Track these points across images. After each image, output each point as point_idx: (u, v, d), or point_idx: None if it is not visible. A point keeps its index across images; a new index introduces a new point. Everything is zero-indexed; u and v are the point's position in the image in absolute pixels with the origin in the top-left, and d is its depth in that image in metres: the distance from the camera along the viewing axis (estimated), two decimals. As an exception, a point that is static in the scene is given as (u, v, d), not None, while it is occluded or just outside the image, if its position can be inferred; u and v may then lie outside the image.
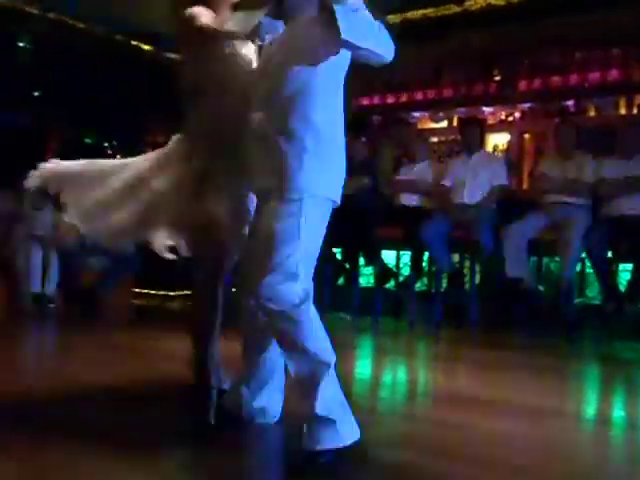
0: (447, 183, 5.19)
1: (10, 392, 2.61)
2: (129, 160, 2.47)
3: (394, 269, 5.54)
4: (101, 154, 6.78)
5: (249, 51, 2.28)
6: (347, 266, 5.50)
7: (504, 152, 6.35)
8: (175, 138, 2.41)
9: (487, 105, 6.50)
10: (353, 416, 1.94)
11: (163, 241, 2.43)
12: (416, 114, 6.96)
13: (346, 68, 2.01)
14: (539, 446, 2.17)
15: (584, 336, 4.68)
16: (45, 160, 2.53)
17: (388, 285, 5.51)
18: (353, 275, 5.41)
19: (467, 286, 5.18)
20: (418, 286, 5.39)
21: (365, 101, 6.90)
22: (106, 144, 7.31)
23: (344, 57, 1.96)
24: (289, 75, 1.94)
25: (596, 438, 2.41)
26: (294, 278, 1.90)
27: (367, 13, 1.85)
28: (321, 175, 1.96)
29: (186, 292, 5.62)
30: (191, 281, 2.37)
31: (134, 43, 7.06)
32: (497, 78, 6.40)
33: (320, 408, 1.88)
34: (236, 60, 2.24)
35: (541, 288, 4.94)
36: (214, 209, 2.21)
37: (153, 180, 2.28)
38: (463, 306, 5.02)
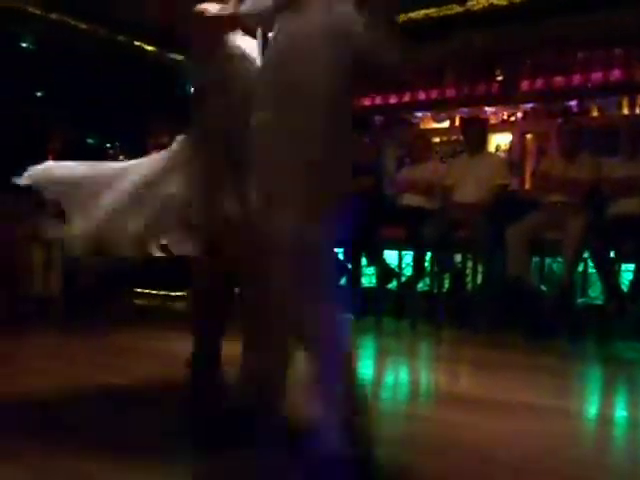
0: (449, 183, 5.19)
1: (11, 392, 2.62)
2: (130, 163, 2.43)
3: (396, 269, 5.54)
4: (104, 155, 6.80)
5: (253, 49, 2.27)
6: (349, 266, 5.50)
7: (506, 152, 6.35)
8: (180, 139, 2.40)
9: (489, 105, 6.50)
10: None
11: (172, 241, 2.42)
12: (418, 114, 6.97)
13: (350, 67, 2.01)
14: (541, 446, 2.16)
15: (586, 336, 4.68)
16: (48, 160, 2.52)
17: (390, 285, 5.51)
18: (355, 275, 5.41)
19: (469, 286, 5.18)
20: (420, 286, 5.38)
21: (367, 101, 6.90)
22: (108, 145, 7.32)
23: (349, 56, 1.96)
24: (293, 71, 1.93)
25: (598, 438, 2.41)
26: None
27: None
28: (334, 174, 1.96)
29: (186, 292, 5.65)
30: (190, 281, 2.37)
31: (137, 44, 7.07)
32: (499, 78, 6.40)
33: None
34: (241, 58, 2.23)
35: (543, 288, 4.94)
36: (227, 209, 2.21)
37: (162, 183, 2.25)
38: (465, 306, 5.01)
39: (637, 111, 5.91)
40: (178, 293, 6.73)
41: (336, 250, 2.04)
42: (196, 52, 2.32)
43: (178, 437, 2.11)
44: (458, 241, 4.97)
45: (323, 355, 1.90)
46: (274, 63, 2.02)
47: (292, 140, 1.94)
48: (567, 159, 4.84)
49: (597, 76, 5.89)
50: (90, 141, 7.20)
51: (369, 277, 5.73)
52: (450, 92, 6.67)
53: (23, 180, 2.40)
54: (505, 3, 6.04)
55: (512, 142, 6.38)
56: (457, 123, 6.66)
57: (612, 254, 4.55)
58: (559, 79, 6.06)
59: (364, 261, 5.49)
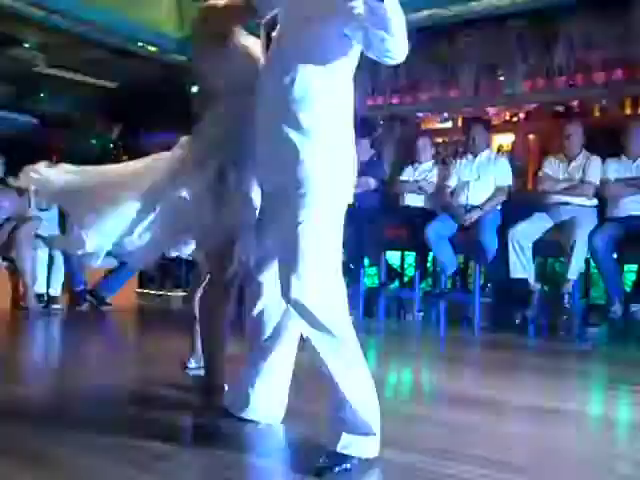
0: (451, 184, 5.19)
1: (11, 392, 2.62)
2: (136, 168, 2.36)
3: (398, 270, 5.54)
4: (106, 155, 6.81)
5: (256, 47, 2.27)
6: (352, 266, 5.50)
7: (508, 153, 6.34)
8: (184, 141, 2.38)
9: (492, 105, 6.49)
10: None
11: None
12: (421, 114, 6.96)
13: (355, 65, 2.01)
14: (542, 447, 2.16)
15: (588, 337, 4.68)
16: (50, 160, 2.50)
17: (392, 286, 5.51)
18: (358, 275, 5.41)
19: (471, 287, 5.18)
20: (422, 287, 5.39)
21: (370, 101, 6.89)
22: (111, 145, 7.34)
23: (354, 54, 1.96)
24: (300, 71, 1.93)
25: (600, 439, 2.41)
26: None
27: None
28: (335, 173, 1.96)
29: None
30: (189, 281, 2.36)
31: (140, 44, 7.06)
32: (502, 78, 6.39)
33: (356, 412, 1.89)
34: (247, 57, 2.22)
35: (545, 289, 4.94)
36: (237, 211, 2.20)
37: (172, 189, 2.22)
38: (467, 307, 5.01)
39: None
40: (179, 293, 6.74)
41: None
42: (202, 51, 2.31)
43: (179, 437, 2.11)
44: (461, 242, 4.97)
45: None
46: (277, 59, 2.02)
47: (295, 139, 1.94)
48: (569, 160, 4.84)
49: (599, 76, 5.87)
50: (92, 141, 7.22)
51: (371, 277, 5.73)
52: (453, 92, 6.66)
53: (21, 182, 2.35)
54: (508, 3, 6.03)
55: (514, 143, 6.37)
56: (460, 123, 6.65)
57: (615, 255, 4.54)
58: (562, 79, 6.05)
59: (366, 261, 5.49)
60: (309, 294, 1.88)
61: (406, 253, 5.56)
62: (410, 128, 6.90)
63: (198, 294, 2.74)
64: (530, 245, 4.65)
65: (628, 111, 5.97)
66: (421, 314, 5.21)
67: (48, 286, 5.45)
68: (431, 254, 5.20)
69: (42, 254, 5.41)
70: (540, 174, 4.99)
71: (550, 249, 4.78)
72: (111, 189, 2.27)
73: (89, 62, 6.94)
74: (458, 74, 6.50)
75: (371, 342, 4.44)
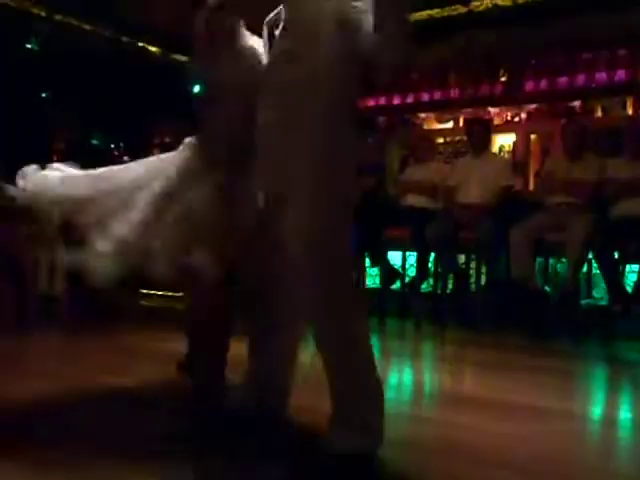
0: (453, 184, 5.19)
1: (12, 392, 2.62)
2: (140, 172, 2.32)
3: (400, 270, 5.54)
4: (108, 156, 6.81)
5: (260, 47, 2.26)
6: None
7: (510, 153, 6.34)
8: (188, 142, 2.37)
9: (493, 106, 6.49)
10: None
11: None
12: (422, 115, 6.96)
13: (355, 67, 2.01)
14: (545, 448, 2.16)
15: (590, 337, 4.67)
16: (51, 160, 2.49)
17: (394, 286, 5.51)
18: (358, 276, 5.41)
19: (473, 287, 5.18)
20: (424, 287, 5.38)
21: (371, 102, 6.90)
22: (113, 145, 7.34)
23: (356, 54, 1.96)
24: (301, 74, 1.93)
25: (602, 440, 2.41)
26: None
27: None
28: (339, 174, 1.97)
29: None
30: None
31: (140, 44, 7.08)
32: (503, 79, 6.39)
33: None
34: (251, 57, 2.22)
35: (547, 289, 4.94)
36: (247, 212, 2.19)
37: (181, 195, 2.19)
38: (469, 307, 5.01)
39: (641, 112, 5.90)
40: (181, 294, 6.73)
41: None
42: (206, 51, 2.30)
43: (179, 438, 2.11)
44: (462, 242, 4.97)
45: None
46: (280, 60, 2.02)
47: (297, 139, 1.94)
48: (571, 160, 4.83)
49: (601, 76, 5.88)
50: (94, 141, 7.22)
51: (373, 278, 5.73)
52: (454, 93, 6.67)
53: (19, 191, 2.29)
54: (509, 4, 6.03)
55: (516, 143, 6.37)
56: (461, 124, 6.66)
57: (616, 255, 4.54)
58: (563, 79, 6.05)
59: (368, 261, 5.49)
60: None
61: (407, 253, 5.55)
62: (411, 128, 6.90)
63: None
64: (531, 245, 4.64)
65: (630, 111, 5.96)
66: (422, 314, 5.20)
67: (50, 285, 5.45)
68: (432, 254, 5.20)
69: (44, 253, 5.41)
70: (541, 174, 4.98)
71: (551, 249, 4.78)
72: (118, 191, 2.22)
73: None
74: (460, 74, 6.51)
75: (373, 343, 4.44)
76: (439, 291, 5.20)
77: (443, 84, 6.72)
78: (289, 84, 1.95)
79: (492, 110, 6.50)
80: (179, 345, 2.94)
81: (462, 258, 5.29)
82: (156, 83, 6.90)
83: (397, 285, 5.54)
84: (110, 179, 2.31)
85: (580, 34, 5.72)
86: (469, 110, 6.54)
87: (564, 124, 5.25)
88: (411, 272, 5.57)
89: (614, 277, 4.53)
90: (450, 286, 5.22)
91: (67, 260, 2.18)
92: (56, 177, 2.31)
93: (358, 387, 1.92)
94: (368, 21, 1.85)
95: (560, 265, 5.03)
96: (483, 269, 5.08)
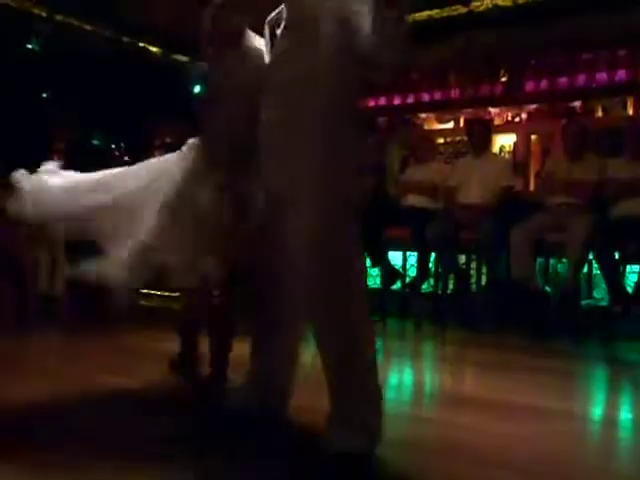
0: (453, 184, 5.19)
1: (12, 392, 2.62)
2: (142, 175, 2.29)
3: (400, 270, 5.54)
4: (108, 156, 6.81)
5: (260, 45, 2.26)
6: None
7: (510, 153, 6.34)
8: (192, 143, 2.36)
9: (494, 106, 6.49)
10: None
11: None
12: (422, 115, 6.96)
13: (356, 67, 2.01)
14: (546, 448, 2.16)
15: (591, 338, 4.67)
16: (52, 159, 2.47)
17: (394, 286, 5.51)
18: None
19: (473, 287, 5.18)
20: (424, 287, 5.38)
21: (372, 102, 6.90)
22: (113, 145, 7.33)
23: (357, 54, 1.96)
24: (301, 73, 1.93)
25: (602, 440, 2.41)
26: None
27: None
28: (340, 173, 1.96)
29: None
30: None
31: (141, 44, 7.09)
32: (504, 79, 6.39)
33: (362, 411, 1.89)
34: (257, 58, 2.21)
35: (547, 289, 4.93)
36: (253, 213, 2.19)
37: (190, 197, 2.18)
38: (469, 307, 5.01)
39: (642, 112, 5.90)
40: (178, 294, 6.71)
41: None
42: (212, 49, 2.30)
43: (179, 438, 2.11)
44: (462, 242, 4.97)
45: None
46: (281, 59, 2.02)
47: (297, 138, 1.94)
48: (571, 160, 4.83)
49: (602, 77, 5.88)
50: (95, 141, 7.22)
51: (373, 278, 5.73)
52: (454, 93, 6.67)
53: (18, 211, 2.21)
54: (509, 4, 6.03)
55: (516, 143, 6.37)
56: (461, 124, 6.66)
57: (617, 255, 4.54)
58: (563, 80, 6.05)
59: (368, 262, 5.48)
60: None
61: (408, 253, 5.55)
62: (412, 128, 6.90)
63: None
64: (532, 245, 4.64)
65: (630, 111, 5.96)
66: (423, 315, 5.20)
67: (50, 285, 5.45)
68: (433, 254, 5.20)
69: (44, 253, 5.41)
70: (542, 174, 4.99)
71: (552, 249, 4.78)
72: (132, 201, 2.19)
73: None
74: (460, 75, 6.51)
75: (375, 346, 4.45)
76: (440, 291, 5.20)
77: (443, 84, 6.72)
78: (290, 83, 1.95)
79: (492, 110, 6.50)
80: (179, 345, 2.94)
81: (463, 258, 5.29)
82: (156, 83, 6.90)
83: (398, 285, 5.53)
84: (115, 186, 2.28)
85: (580, 34, 5.72)
86: (469, 110, 6.54)
87: (564, 124, 5.25)
88: (412, 272, 5.57)
89: (614, 277, 4.53)
90: (451, 286, 5.22)
91: (83, 272, 2.12)
92: (57, 187, 2.28)
93: (358, 388, 1.91)
94: (367, 22, 1.85)
95: (560, 265, 5.03)
96: (483, 269, 5.08)
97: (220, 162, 2.21)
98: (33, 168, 2.37)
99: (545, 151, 6.11)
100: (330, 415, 1.94)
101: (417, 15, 5.80)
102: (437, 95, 6.72)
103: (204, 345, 2.74)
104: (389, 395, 2.95)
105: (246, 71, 2.21)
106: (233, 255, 2.20)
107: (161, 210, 2.15)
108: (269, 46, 2.11)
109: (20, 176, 2.26)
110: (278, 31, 2.07)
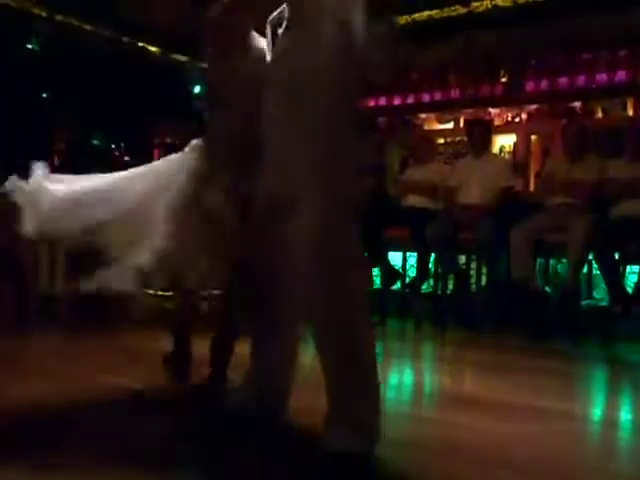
0: (453, 184, 5.19)
1: (13, 392, 2.62)
2: (148, 178, 2.28)
3: (400, 270, 5.54)
4: (108, 156, 6.81)
5: (263, 46, 2.26)
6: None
7: (510, 154, 6.34)
8: (195, 144, 2.36)
9: (494, 106, 6.49)
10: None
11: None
12: (422, 115, 6.97)
13: (356, 67, 2.01)
14: (545, 449, 2.16)
15: (591, 338, 4.67)
16: (52, 159, 2.47)
17: (394, 286, 5.51)
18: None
19: (473, 288, 5.18)
20: (424, 287, 5.38)
21: (372, 102, 6.90)
22: (113, 145, 7.33)
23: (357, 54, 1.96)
24: (301, 72, 1.93)
25: (602, 440, 2.41)
26: None
27: None
28: (340, 174, 1.96)
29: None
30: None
31: (140, 44, 7.09)
32: (504, 79, 6.39)
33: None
34: (260, 59, 2.21)
35: (547, 290, 4.94)
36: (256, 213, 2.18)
37: (198, 198, 2.18)
38: (469, 308, 5.01)
39: (642, 112, 5.90)
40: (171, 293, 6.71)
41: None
42: (215, 52, 2.29)
43: (179, 438, 2.11)
44: (462, 242, 4.97)
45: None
46: (281, 58, 2.02)
47: (297, 138, 1.94)
48: (571, 160, 4.84)
49: (602, 77, 5.88)
50: (95, 141, 7.21)
51: (373, 278, 5.73)
52: (454, 93, 6.67)
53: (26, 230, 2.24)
54: (509, 4, 6.03)
55: (516, 143, 6.37)
56: (461, 124, 6.67)
57: (617, 256, 4.54)
58: (564, 80, 6.05)
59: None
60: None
61: (408, 254, 5.55)
62: (412, 129, 6.90)
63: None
64: (532, 246, 4.64)
65: (630, 112, 5.96)
66: (422, 315, 5.20)
67: (50, 285, 5.45)
68: (433, 255, 5.20)
69: (44, 253, 5.41)
70: (542, 175, 4.99)
71: (552, 250, 4.78)
72: (142, 207, 2.18)
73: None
74: (460, 75, 6.51)
75: (375, 349, 4.45)
76: (439, 292, 5.20)
77: (443, 85, 6.72)
78: (290, 82, 1.95)
79: (492, 111, 6.50)
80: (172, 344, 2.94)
81: (462, 259, 5.29)
82: (156, 83, 6.90)
83: (397, 285, 5.54)
84: (118, 197, 2.26)
85: (580, 34, 5.72)
86: (469, 111, 6.54)
87: (564, 125, 5.25)
88: (411, 272, 5.57)
89: (614, 278, 4.53)
90: (450, 287, 5.22)
91: (100, 283, 2.11)
92: (58, 199, 2.27)
93: (357, 388, 1.91)
94: (360, 22, 1.86)
95: (560, 266, 5.03)
96: (483, 270, 5.08)
97: (224, 163, 2.21)
98: (33, 169, 2.36)
99: (545, 151, 6.11)
100: (329, 415, 1.94)
101: (417, 15, 5.79)
102: (437, 95, 6.72)
103: (204, 345, 2.74)
104: (389, 395, 2.95)
105: (249, 71, 2.21)
106: (237, 256, 2.20)
107: (169, 213, 2.14)
108: (271, 45, 2.11)
109: (14, 186, 2.25)
110: (280, 30, 2.07)
